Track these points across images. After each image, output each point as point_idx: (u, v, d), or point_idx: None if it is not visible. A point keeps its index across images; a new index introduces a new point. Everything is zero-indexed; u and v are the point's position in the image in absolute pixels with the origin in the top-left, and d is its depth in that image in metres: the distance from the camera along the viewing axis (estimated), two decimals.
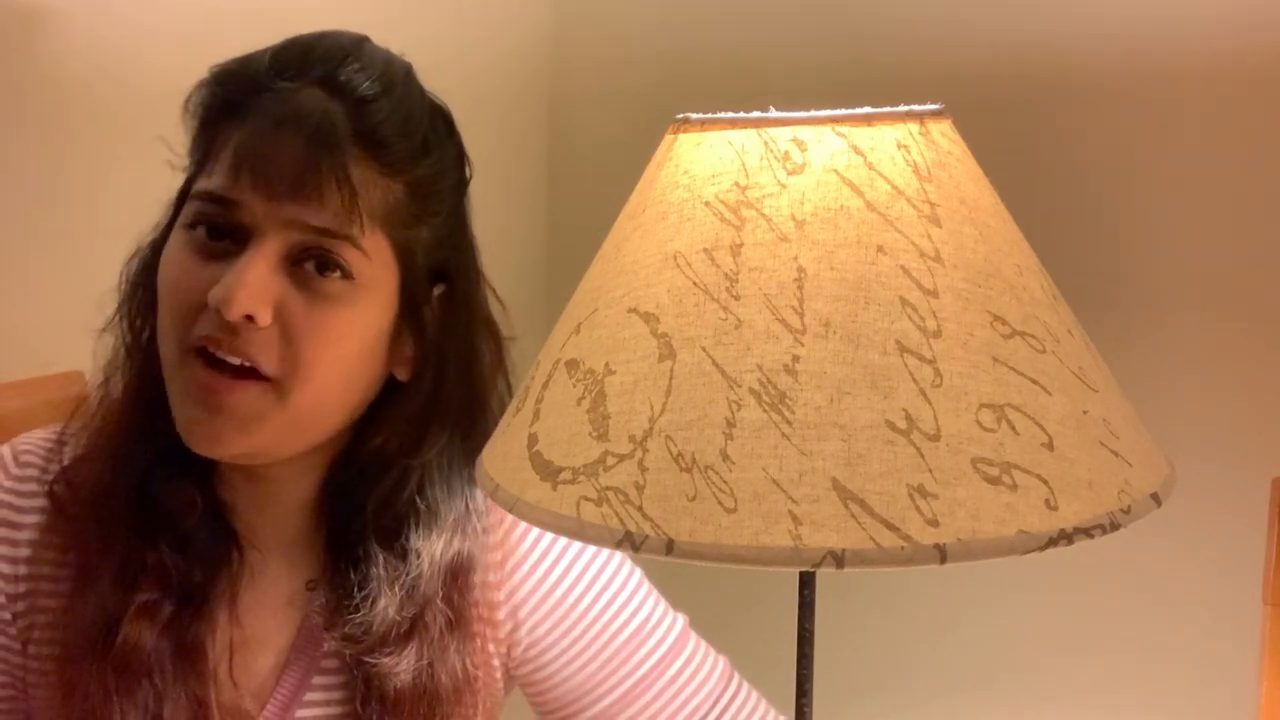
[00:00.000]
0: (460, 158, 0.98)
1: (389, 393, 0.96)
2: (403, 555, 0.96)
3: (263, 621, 0.98)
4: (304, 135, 0.87)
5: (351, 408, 0.94)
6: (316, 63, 0.90)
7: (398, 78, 0.92)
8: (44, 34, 1.26)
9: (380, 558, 0.95)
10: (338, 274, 0.89)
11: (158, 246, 0.94)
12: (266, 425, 0.89)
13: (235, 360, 0.87)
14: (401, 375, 0.96)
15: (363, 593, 0.95)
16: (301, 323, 0.88)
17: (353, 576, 0.96)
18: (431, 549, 0.96)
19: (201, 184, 0.89)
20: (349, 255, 0.88)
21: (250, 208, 0.87)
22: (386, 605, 0.95)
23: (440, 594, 0.96)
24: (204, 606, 0.94)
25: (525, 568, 1.02)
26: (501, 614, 1.01)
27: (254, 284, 0.86)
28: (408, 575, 0.95)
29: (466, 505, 0.98)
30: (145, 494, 0.93)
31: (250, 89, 0.90)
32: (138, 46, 1.30)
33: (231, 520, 0.96)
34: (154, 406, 0.93)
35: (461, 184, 0.98)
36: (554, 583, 1.02)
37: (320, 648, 0.98)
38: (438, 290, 0.96)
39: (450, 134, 0.97)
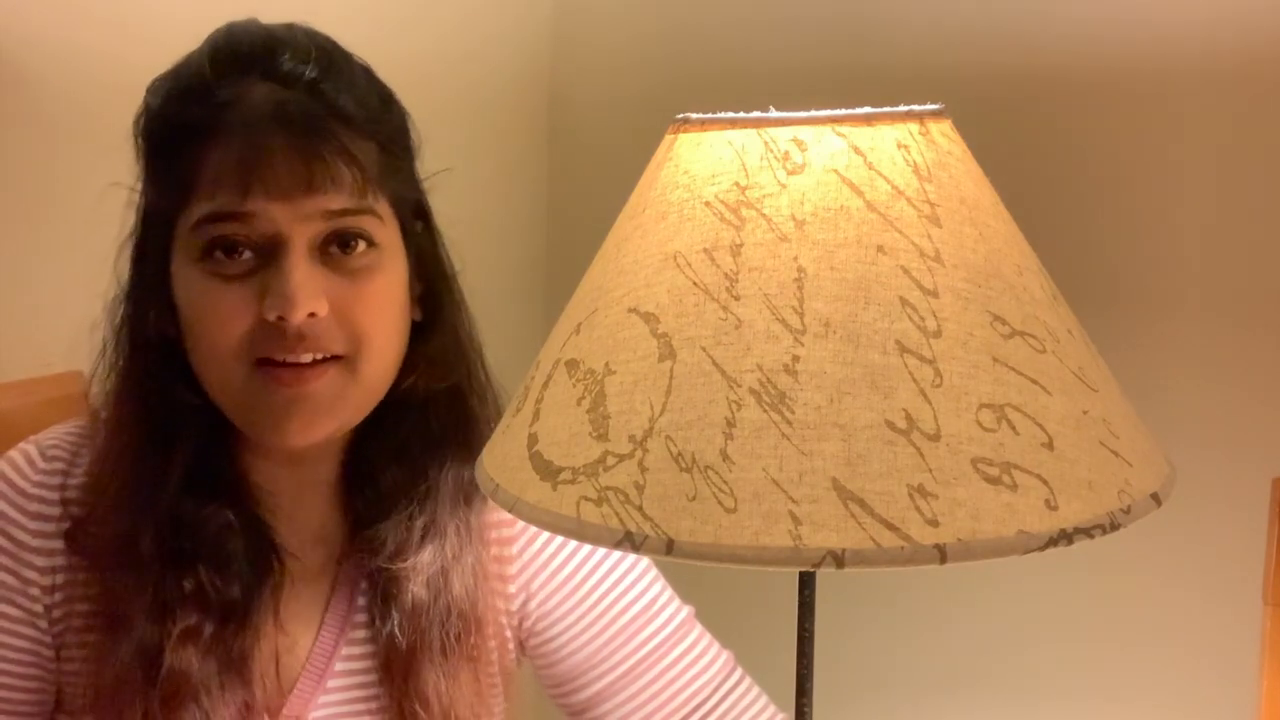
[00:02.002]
0: (394, 96, 1.00)
1: (412, 336, 0.99)
2: (412, 472, 0.99)
3: (301, 613, 1.00)
4: (293, 130, 0.89)
5: (400, 360, 0.97)
6: (252, 59, 0.91)
7: (329, 49, 0.94)
8: (43, 32, 1.26)
9: (392, 474, 0.99)
10: (363, 245, 0.92)
11: (141, 288, 0.95)
12: (348, 401, 0.93)
13: (307, 358, 0.90)
14: (415, 315, 0.99)
15: (379, 508, 0.99)
16: (350, 301, 0.91)
17: (369, 494, 1.00)
18: (440, 461, 1.00)
19: (204, 208, 0.90)
20: (369, 224, 0.92)
21: (268, 215, 0.89)
22: (399, 517, 0.98)
23: (450, 503, 1.00)
24: (246, 619, 0.96)
25: (539, 543, 1.05)
26: (514, 586, 1.05)
27: (305, 282, 0.89)
28: (418, 487, 0.99)
29: (467, 428, 1.01)
30: (178, 528, 0.94)
31: (203, 105, 0.90)
32: (137, 47, 1.30)
33: (268, 524, 0.98)
34: (166, 444, 0.94)
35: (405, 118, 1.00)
36: (565, 558, 1.05)
37: (351, 616, 1.01)
38: (419, 227, 1.00)
39: (376, 78, 0.98)
